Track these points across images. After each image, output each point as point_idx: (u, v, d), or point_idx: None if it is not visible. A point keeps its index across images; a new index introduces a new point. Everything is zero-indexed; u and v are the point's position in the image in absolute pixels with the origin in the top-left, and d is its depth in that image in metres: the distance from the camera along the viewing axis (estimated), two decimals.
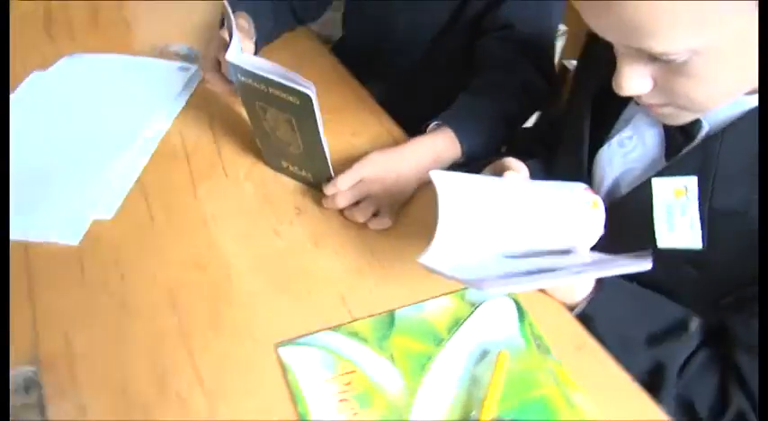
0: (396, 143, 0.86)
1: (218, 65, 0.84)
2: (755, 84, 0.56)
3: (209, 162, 0.87)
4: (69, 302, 0.70)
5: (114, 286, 0.72)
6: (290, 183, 0.85)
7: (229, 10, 0.77)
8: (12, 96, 0.97)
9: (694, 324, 0.69)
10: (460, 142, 0.85)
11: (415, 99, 1.05)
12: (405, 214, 0.81)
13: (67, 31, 1.14)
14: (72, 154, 0.87)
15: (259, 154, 0.87)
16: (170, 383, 0.63)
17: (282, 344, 0.65)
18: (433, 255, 0.60)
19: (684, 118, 0.60)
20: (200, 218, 0.80)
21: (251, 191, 0.84)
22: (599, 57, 0.67)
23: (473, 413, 0.60)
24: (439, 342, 0.66)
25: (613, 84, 0.57)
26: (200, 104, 0.97)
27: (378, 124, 0.93)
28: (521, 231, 0.63)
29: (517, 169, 0.68)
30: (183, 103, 0.97)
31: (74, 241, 0.76)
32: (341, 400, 0.61)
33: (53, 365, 0.64)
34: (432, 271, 0.58)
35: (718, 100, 0.57)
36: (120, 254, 0.75)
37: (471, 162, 0.86)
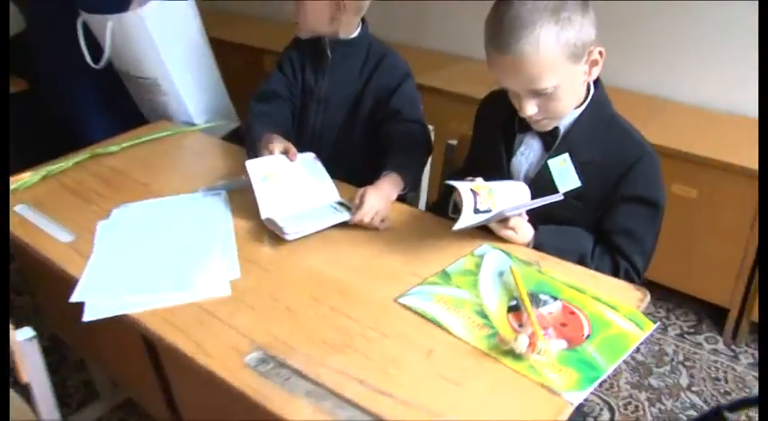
0: None
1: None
2: (579, 101, 1.22)
3: (275, 237, 1.31)
4: (254, 318, 1.09)
5: (274, 304, 1.12)
6: (337, 235, 1.32)
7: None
8: (95, 250, 1.30)
9: (589, 234, 1.29)
10: (403, 179, 1.44)
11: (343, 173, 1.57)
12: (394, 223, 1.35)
13: (96, 196, 1.50)
14: (179, 253, 1.26)
15: None
16: (350, 333, 1.05)
17: (398, 297, 1.12)
18: (462, 223, 1.14)
19: (552, 125, 1.24)
20: (297, 263, 1.24)
21: (316, 244, 1.30)
22: (497, 109, 1.30)
23: (514, 294, 1.12)
24: (475, 274, 1.18)
25: (519, 112, 1.19)
26: (241, 211, 1.41)
27: (340, 189, 1.45)
28: (499, 201, 1.19)
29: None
30: (230, 212, 1.40)
31: (227, 292, 1.15)
32: (446, 310, 1.09)
33: (273, 346, 1.03)
34: (466, 229, 1.12)
35: (569, 110, 1.22)
36: (262, 289, 1.16)
37: (408, 193, 1.50)
